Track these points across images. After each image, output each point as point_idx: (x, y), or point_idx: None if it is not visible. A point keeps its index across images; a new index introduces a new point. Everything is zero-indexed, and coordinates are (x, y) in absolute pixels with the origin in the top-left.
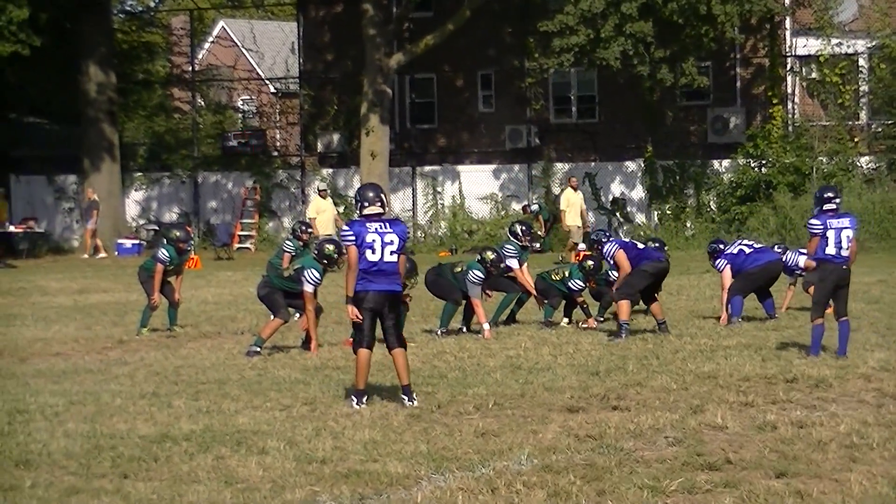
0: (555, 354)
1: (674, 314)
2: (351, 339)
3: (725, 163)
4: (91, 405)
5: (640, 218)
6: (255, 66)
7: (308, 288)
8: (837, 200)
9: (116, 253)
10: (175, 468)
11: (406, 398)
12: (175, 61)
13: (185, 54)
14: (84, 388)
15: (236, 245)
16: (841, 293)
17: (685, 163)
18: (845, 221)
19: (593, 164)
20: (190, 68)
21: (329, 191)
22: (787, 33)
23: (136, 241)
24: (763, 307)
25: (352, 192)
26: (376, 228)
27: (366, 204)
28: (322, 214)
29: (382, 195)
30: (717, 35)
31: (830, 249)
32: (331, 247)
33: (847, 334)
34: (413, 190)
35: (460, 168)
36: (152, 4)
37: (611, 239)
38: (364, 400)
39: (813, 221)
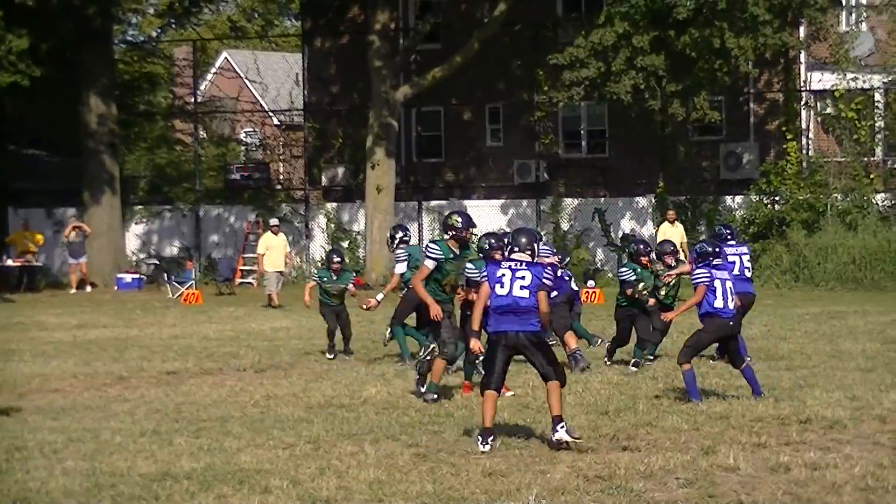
0: (564, 393)
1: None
2: (469, 384)
3: (738, 199)
4: (90, 443)
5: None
6: (259, 97)
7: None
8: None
9: (116, 287)
10: None
11: (555, 427)
12: (177, 93)
13: (188, 85)
14: (83, 426)
15: (238, 280)
16: (731, 345)
17: (697, 199)
18: (730, 267)
19: (603, 199)
20: (192, 100)
21: (280, 227)
22: (802, 68)
23: (137, 276)
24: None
25: (357, 227)
26: (510, 266)
27: (516, 249)
28: (271, 251)
29: (535, 246)
30: (730, 69)
31: (718, 303)
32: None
33: (752, 375)
34: (419, 225)
35: (468, 203)
36: (154, 35)
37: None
38: (490, 440)
39: (699, 271)
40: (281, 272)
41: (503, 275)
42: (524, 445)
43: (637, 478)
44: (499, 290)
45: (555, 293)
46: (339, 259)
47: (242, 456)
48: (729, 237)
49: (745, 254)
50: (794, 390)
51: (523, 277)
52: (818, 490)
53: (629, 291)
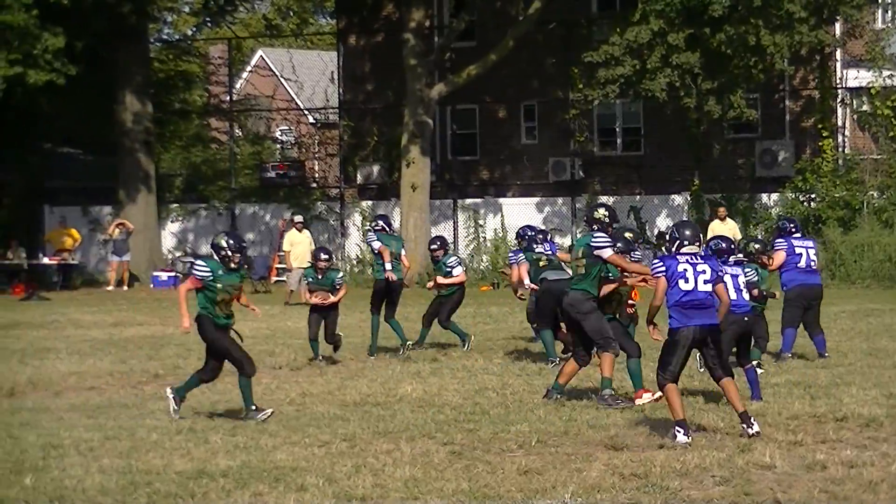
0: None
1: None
2: (641, 392)
3: (774, 197)
4: (126, 440)
5: None
6: (294, 96)
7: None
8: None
9: (152, 285)
10: None
11: (745, 425)
12: (213, 91)
13: (223, 84)
14: (119, 423)
15: (274, 278)
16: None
17: (733, 196)
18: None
19: (638, 197)
20: (228, 98)
21: (305, 223)
22: (838, 65)
23: (172, 274)
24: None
25: (392, 225)
26: (687, 259)
27: (685, 243)
28: (296, 248)
29: (700, 237)
30: (766, 66)
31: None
32: None
33: (755, 378)
34: (454, 223)
35: (503, 201)
36: (189, 33)
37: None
38: (688, 431)
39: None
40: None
41: (685, 269)
42: (560, 443)
43: (673, 476)
44: (683, 286)
45: None
46: (326, 257)
47: (278, 454)
48: (794, 230)
49: (811, 247)
50: (831, 388)
51: (704, 271)
52: (854, 488)
53: (755, 292)
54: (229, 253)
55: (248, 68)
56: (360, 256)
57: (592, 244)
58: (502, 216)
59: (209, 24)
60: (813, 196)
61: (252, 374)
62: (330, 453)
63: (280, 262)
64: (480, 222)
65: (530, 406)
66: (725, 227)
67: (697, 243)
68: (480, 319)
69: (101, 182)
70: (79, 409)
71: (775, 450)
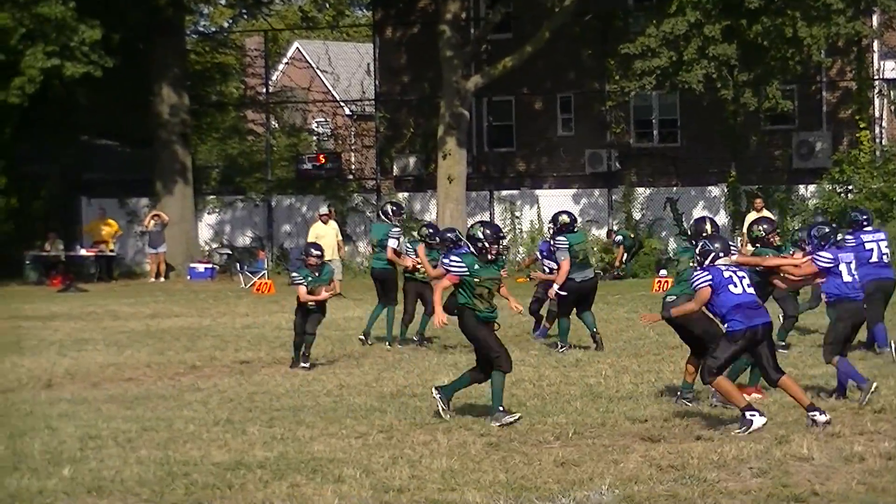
0: (636, 383)
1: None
2: (753, 388)
3: (811, 188)
4: (164, 431)
5: None
6: (331, 88)
7: None
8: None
9: (189, 277)
10: (249, 496)
11: (816, 413)
12: (249, 83)
13: (260, 76)
14: (157, 415)
15: None
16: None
17: (769, 188)
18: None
19: (675, 188)
20: (264, 90)
21: (332, 215)
22: (875, 56)
23: (209, 265)
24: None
25: (428, 217)
26: (728, 266)
27: (721, 255)
28: (321, 240)
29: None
30: (802, 58)
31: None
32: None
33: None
34: (491, 214)
35: (539, 192)
36: (226, 25)
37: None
38: (759, 412)
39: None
40: (330, 261)
41: (730, 276)
42: (597, 435)
43: (710, 467)
44: (735, 290)
45: None
46: (318, 253)
47: (315, 445)
48: (865, 223)
49: (883, 240)
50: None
51: (743, 277)
52: (892, 480)
53: None
54: (486, 244)
55: (285, 60)
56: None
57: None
58: (538, 208)
59: (245, 17)
60: (850, 187)
61: (509, 371)
62: (367, 444)
63: None
64: (517, 214)
65: (567, 398)
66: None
67: (729, 255)
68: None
69: (137, 174)
70: (116, 400)
71: (813, 441)
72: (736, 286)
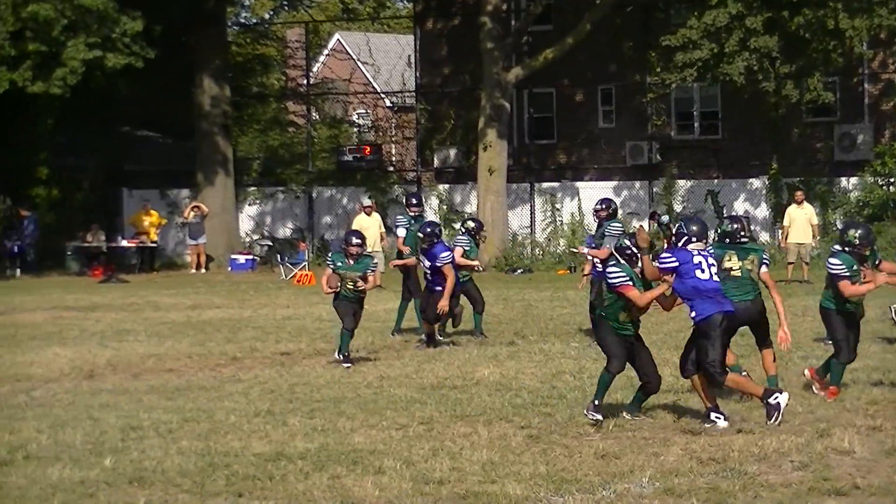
0: (676, 375)
1: (798, 335)
2: (813, 368)
3: (853, 180)
4: (205, 422)
5: (764, 237)
6: (371, 79)
7: None
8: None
9: (230, 268)
10: (290, 487)
11: (716, 415)
12: (290, 74)
13: (301, 67)
14: (198, 406)
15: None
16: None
17: (811, 180)
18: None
19: (716, 181)
20: (305, 82)
21: (374, 206)
22: None
23: (250, 257)
24: None
25: (469, 209)
26: (699, 251)
27: (693, 239)
28: (364, 232)
29: (709, 234)
30: (844, 50)
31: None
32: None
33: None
34: (531, 206)
35: (579, 184)
36: (267, 17)
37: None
38: (778, 397)
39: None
40: (374, 253)
41: (700, 261)
42: (637, 427)
43: (751, 460)
44: (701, 275)
45: None
46: (359, 241)
47: (356, 436)
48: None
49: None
50: None
51: (713, 265)
52: None
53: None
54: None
55: (326, 52)
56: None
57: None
58: (579, 200)
59: (286, 8)
60: (892, 180)
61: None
62: (407, 436)
63: None
64: (557, 206)
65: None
66: (802, 212)
67: (704, 240)
68: (557, 303)
69: (179, 165)
70: (157, 391)
71: (854, 435)
72: (703, 272)
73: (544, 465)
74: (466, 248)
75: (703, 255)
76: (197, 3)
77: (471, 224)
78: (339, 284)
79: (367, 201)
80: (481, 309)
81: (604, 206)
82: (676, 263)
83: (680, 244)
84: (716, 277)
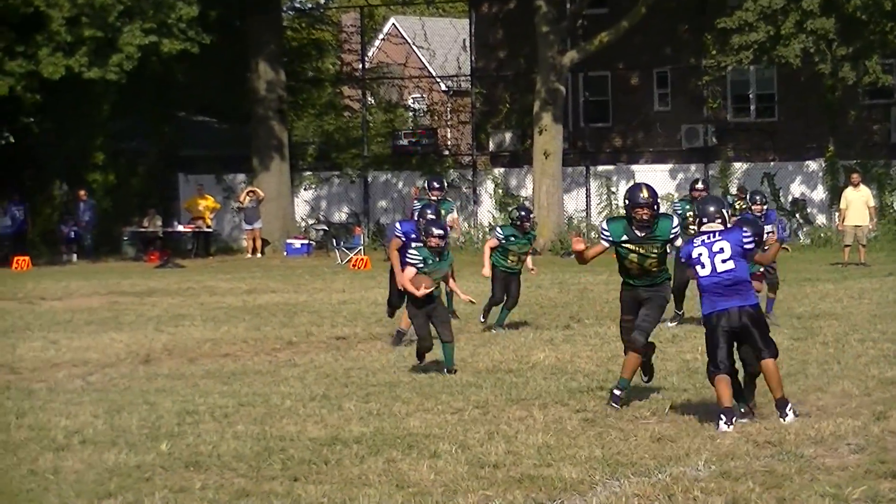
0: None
1: (856, 318)
2: None
3: None
4: (260, 407)
5: (820, 219)
6: (427, 63)
7: None
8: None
9: (285, 253)
10: (345, 471)
11: (779, 412)
12: (345, 59)
13: (356, 52)
14: (253, 390)
15: None
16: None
17: (868, 163)
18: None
19: (772, 163)
20: (360, 66)
21: (444, 190)
22: None
23: (306, 242)
24: None
25: (524, 192)
26: (703, 241)
27: (704, 220)
28: None
29: (725, 211)
30: None
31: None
32: None
33: None
34: (587, 190)
35: (635, 168)
36: (322, 1)
37: None
38: (731, 420)
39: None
40: None
41: (700, 254)
42: (693, 410)
43: (807, 443)
44: (701, 272)
45: None
46: (441, 233)
47: (411, 420)
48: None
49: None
50: None
51: (722, 250)
52: None
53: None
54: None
55: (381, 36)
56: (493, 223)
57: None
58: (635, 183)
59: None
60: None
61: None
62: (462, 420)
63: None
64: (613, 189)
65: (663, 373)
66: (859, 194)
67: (719, 219)
68: (613, 286)
69: (235, 150)
70: (213, 375)
71: None
72: (704, 267)
73: (599, 449)
74: (502, 241)
75: (705, 245)
76: None
77: (515, 213)
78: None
79: (436, 183)
80: (512, 305)
81: (705, 187)
82: (683, 259)
83: (697, 227)
84: (726, 266)
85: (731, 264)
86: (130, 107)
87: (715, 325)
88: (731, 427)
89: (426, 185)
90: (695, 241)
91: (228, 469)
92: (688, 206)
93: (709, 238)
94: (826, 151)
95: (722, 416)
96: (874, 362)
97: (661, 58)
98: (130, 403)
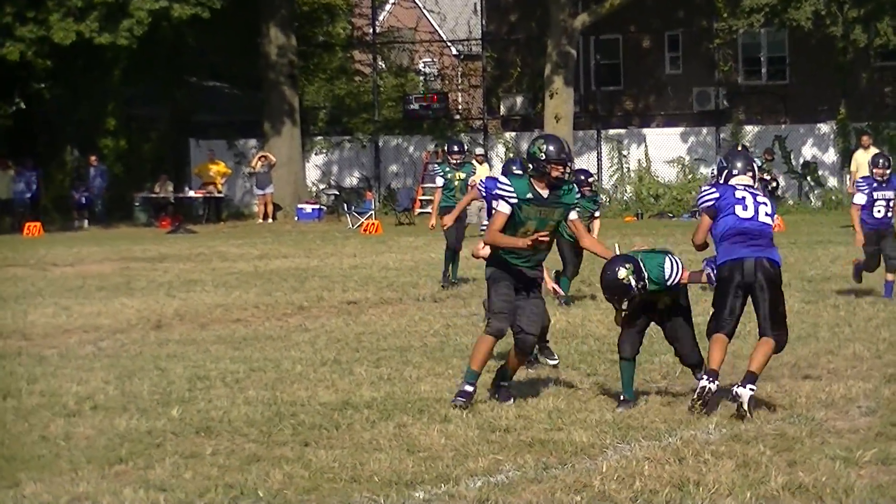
0: (743, 322)
1: (868, 280)
2: None
3: None
4: (271, 372)
5: (832, 182)
6: (437, 27)
7: None
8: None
9: (297, 218)
10: (356, 436)
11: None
12: (356, 23)
13: (367, 16)
14: (264, 355)
15: (418, 210)
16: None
17: (879, 125)
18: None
19: (783, 126)
20: (371, 31)
21: (486, 156)
22: None
23: (317, 206)
24: None
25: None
26: (745, 186)
27: (734, 172)
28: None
29: (755, 165)
30: None
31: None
32: None
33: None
34: (598, 153)
35: (646, 131)
36: None
37: None
38: (714, 378)
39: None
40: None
41: (744, 197)
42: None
43: (818, 406)
44: (742, 213)
45: None
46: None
47: (422, 385)
48: None
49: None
50: None
51: (766, 203)
52: None
53: None
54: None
55: (391, 1)
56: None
57: None
58: (646, 147)
59: None
60: None
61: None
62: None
63: (424, 195)
64: (624, 153)
65: None
66: (868, 156)
67: (750, 174)
68: (624, 250)
69: (246, 115)
70: (225, 341)
71: None
72: (746, 209)
73: (610, 413)
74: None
75: (750, 192)
76: None
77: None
78: None
79: (479, 150)
80: (571, 273)
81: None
82: (716, 195)
83: (722, 179)
84: (768, 220)
85: (769, 220)
86: (142, 72)
87: (727, 278)
88: (713, 384)
89: (448, 148)
90: (734, 185)
91: (239, 434)
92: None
93: (749, 189)
94: (837, 114)
95: (706, 375)
96: (885, 324)
97: (673, 21)
98: (141, 369)
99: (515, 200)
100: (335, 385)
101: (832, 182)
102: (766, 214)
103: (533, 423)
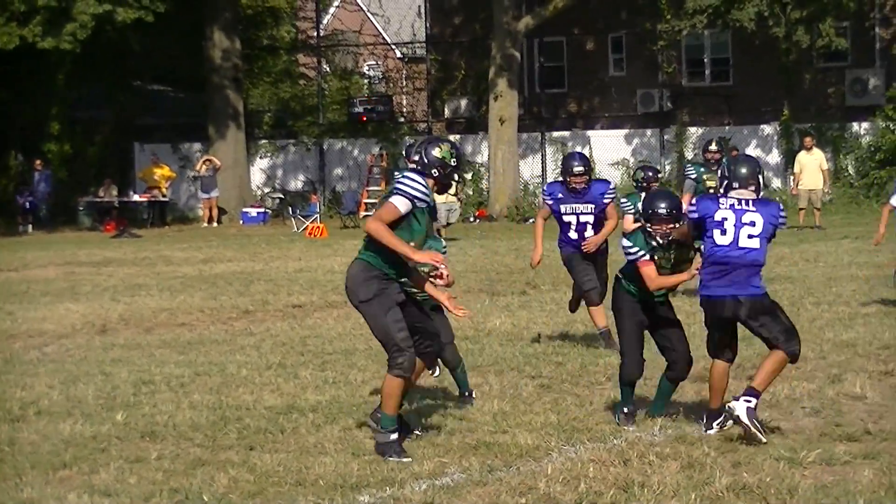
0: (688, 323)
1: (811, 281)
2: None
3: (865, 125)
4: (217, 376)
5: (776, 183)
6: (382, 30)
7: None
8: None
9: (242, 222)
10: (302, 440)
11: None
12: (300, 27)
13: (311, 20)
14: (209, 359)
15: (363, 213)
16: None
17: (822, 126)
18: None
19: (727, 127)
20: (315, 34)
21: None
22: None
23: (262, 210)
24: None
25: (480, 159)
26: (732, 204)
27: (735, 185)
28: None
29: (760, 177)
30: None
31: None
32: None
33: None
34: (542, 156)
35: (591, 133)
36: None
37: None
38: (718, 423)
39: None
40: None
41: (725, 218)
42: (648, 375)
43: (763, 407)
44: (719, 240)
45: None
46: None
47: (367, 388)
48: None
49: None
50: None
51: (752, 223)
52: None
53: None
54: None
55: (336, 3)
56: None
57: None
58: (590, 149)
59: None
60: None
61: None
62: (419, 388)
63: (368, 198)
64: None
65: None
66: (812, 157)
67: (753, 186)
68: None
69: (190, 119)
70: (170, 345)
71: (866, 380)
72: (724, 234)
73: (555, 415)
74: (631, 211)
75: (734, 211)
76: None
77: (640, 174)
78: None
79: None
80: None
81: (720, 149)
82: (696, 215)
83: (722, 189)
84: (751, 243)
85: (755, 242)
86: (86, 76)
87: (708, 314)
88: (713, 430)
89: (406, 152)
90: (721, 200)
91: (184, 439)
92: (702, 169)
93: (740, 205)
94: (781, 115)
95: (712, 416)
96: (829, 325)
97: (617, 22)
98: (86, 374)
99: (425, 206)
100: (280, 389)
101: (776, 183)
102: (749, 237)
103: (478, 426)
